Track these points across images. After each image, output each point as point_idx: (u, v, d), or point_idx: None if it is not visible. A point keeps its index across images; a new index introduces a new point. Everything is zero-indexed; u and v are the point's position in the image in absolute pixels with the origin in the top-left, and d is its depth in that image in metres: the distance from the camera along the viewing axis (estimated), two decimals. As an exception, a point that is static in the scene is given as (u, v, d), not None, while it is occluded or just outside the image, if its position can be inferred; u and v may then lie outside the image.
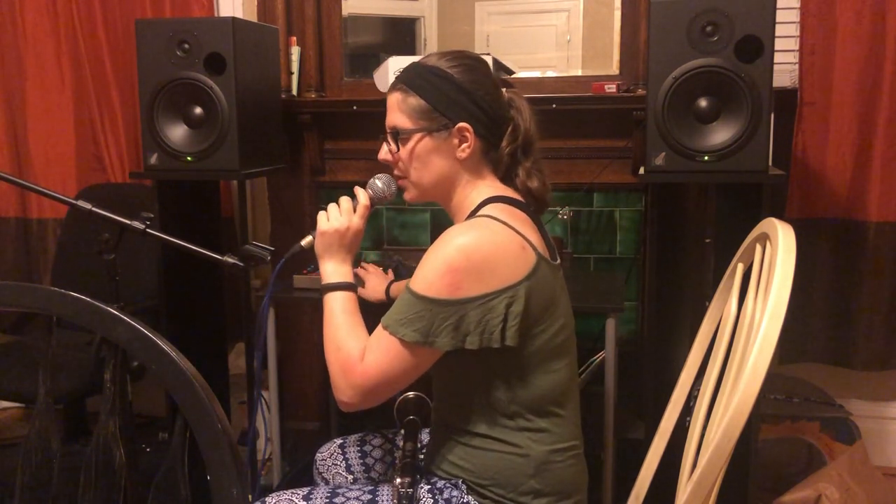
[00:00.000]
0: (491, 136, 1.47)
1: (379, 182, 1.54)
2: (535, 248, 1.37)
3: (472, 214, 1.43)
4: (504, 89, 1.51)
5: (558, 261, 1.47)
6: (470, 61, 1.47)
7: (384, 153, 1.50)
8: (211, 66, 2.24)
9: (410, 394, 1.56)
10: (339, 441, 1.72)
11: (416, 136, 1.45)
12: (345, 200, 1.51)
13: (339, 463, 1.68)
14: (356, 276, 1.99)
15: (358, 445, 1.70)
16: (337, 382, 1.37)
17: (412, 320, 1.31)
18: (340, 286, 1.46)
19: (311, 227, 1.53)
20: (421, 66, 1.47)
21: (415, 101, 1.44)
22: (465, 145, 1.45)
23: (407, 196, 1.53)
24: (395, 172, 1.52)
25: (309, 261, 2.33)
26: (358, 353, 1.36)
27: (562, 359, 1.43)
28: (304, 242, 1.54)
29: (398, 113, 1.46)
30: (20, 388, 2.44)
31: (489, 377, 1.39)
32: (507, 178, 1.51)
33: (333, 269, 1.48)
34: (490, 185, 1.48)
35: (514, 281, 1.33)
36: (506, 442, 1.40)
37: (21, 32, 2.90)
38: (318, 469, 1.70)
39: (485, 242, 1.33)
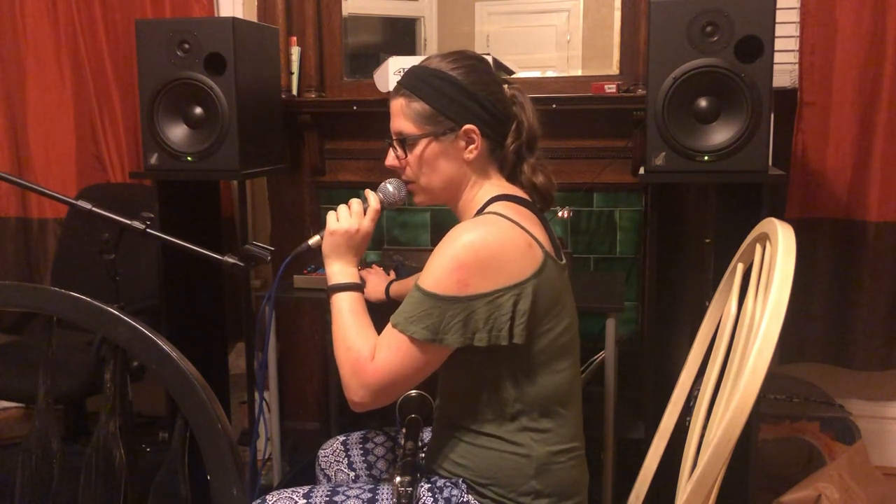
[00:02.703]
0: (496, 135, 1.47)
1: (390, 186, 1.54)
2: (542, 246, 1.37)
3: (479, 213, 1.43)
4: (506, 86, 1.51)
5: (564, 260, 1.47)
6: (472, 62, 1.47)
7: (391, 159, 1.50)
8: (211, 66, 2.24)
9: (413, 392, 1.56)
10: (341, 438, 1.72)
11: (423, 142, 1.45)
12: (355, 202, 1.51)
13: (341, 460, 1.68)
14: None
15: (360, 444, 1.70)
16: (348, 382, 1.37)
17: (421, 317, 1.31)
18: (348, 286, 1.46)
19: (313, 227, 1.53)
20: (423, 70, 1.47)
21: (419, 105, 1.44)
22: (471, 147, 1.45)
23: (417, 200, 1.53)
24: (404, 177, 1.51)
25: (309, 261, 2.33)
26: (368, 352, 1.36)
27: (566, 359, 1.43)
28: (311, 241, 1.54)
29: (403, 119, 1.46)
30: (20, 388, 2.44)
31: (496, 375, 1.39)
32: (512, 177, 1.51)
33: (340, 270, 1.48)
34: (496, 184, 1.48)
35: (522, 278, 1.33)
36: (508, 441, 1.40)
37: (21, 32, 2.90)
38: (320, 466, 1.70)
39: (492, 239, 1.33)
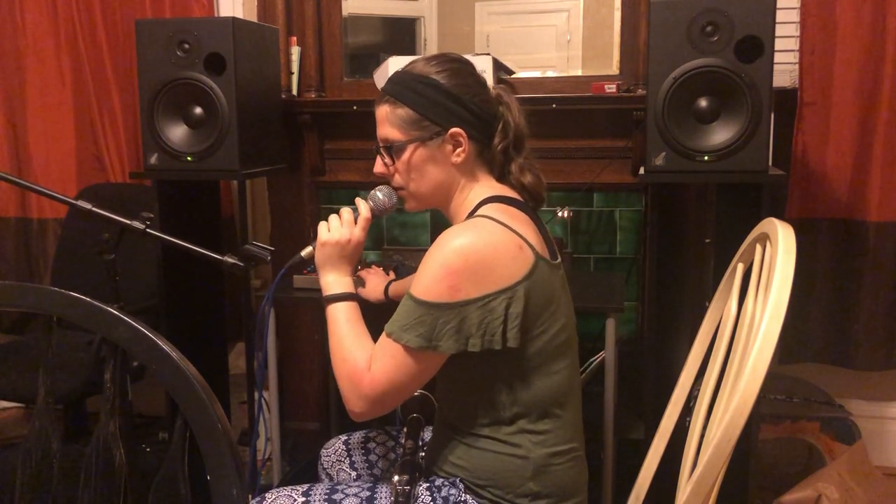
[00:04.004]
0: (483, 136, 1.46)
1: (380, 193, 1.54)
2: (532, 248, 1.37)
3: (471, 216, 1.43)
4: (492, 86, 1.50)
5: (559, 259, 1.47)
6: (455, 64, 1.47)
7: (379, 167, 1.50)
8: (211, 66, 2.23)
9: (415, 392, 1.56)
10: (343, 438, 1.73)
11: (410, 148, 1.44)
12: (346, 212, 1.51)
13: (343, 460, 1.68)
14: (357, 276, 1.99)
15: (362, 443, 1.71)
16: (346, 393, 1.38)
17: (414, 326, 1.31)
18: (343, 297, 1.46)
19: (313, 227, 1.53)
20: (406, 75, 1.46)
21: (403, 111, 1.44)
22: (459, 150, 1.44)
23: (408, 207, 1.53)
24: (393, 184, 1.51)
25: (308, 262, 2.33)
26: (364, 362, 1.36)
27: (563, 359, 1.43)
28: (304, 253, 1.54)
29: (389, 125, 1.45)
30: (20, 388, 2.44)
31: (491, 379, 1.39)
32: (502, 177, 1.51)
33: (335, 280, 1.48)
34: (486, 185, 1.48)
35: (513, 282, 1.33)
36: (506, 443, 1.40)
37: (21, 32, 2.90)
38: (322, 466, 1.71)
39: (481, 243, 1.32)
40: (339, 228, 1.49)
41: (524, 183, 1.49)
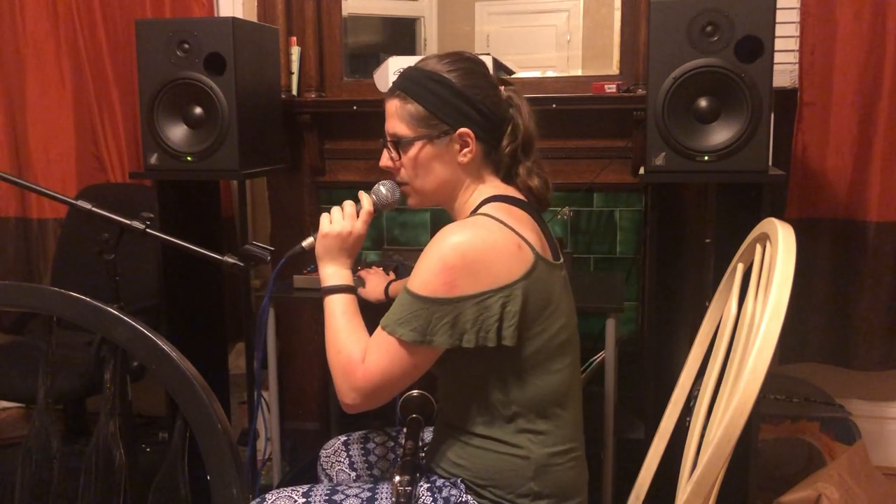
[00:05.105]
0: (491, 138, 1.47)
1: (383, 188, 1.54)
2: (532, 248, 1.37)
3: (473, 214, 1.43)
4: (503, 87, 1.50)
5: (561, 259, 1.46)
6: (468, 64, 1.47)
7: (385, 160, 1.50)
8: (211, 66, 2.23)
9: (414, 392, 1.56)
10: (342, 438, 1.73)
11: (418, 144, 1.45)
12: (348, 204, 1.51)
13: (342, 460, 1.68)
14: (357, 276, 1.99)
15: (361, 443, 1.71)
16: (339, 385, 1.38)
17: (409, 319, 1.32)
18: (340, 289, 1.46)
19: (312, 227, 1.53)
20: (419, 72, 1.46)
21: (414, 108, 1.44)
22: (466, 150, 1.44)
23: (411, 202, 1.53)
24: (398, 179, 1.51)
25: (309, 261, 2.33)
26: (359, 354, 1.36)
27: (563, 358, 1.43)
28: (305, 244, 1.54)
29: (397, 120, 1.45)
30: (20, 388, 2.44)
31: (490, 378, 1.39)
32: (508, 178, 1.51)
33: (333, 272, 1.48)
34: (491, 186, 1.48)
35: (510, 280, 1.33)
36: (506, 443, 1.40)
37: (21, 32, 2.90)
38: (322, 466, 1.71)
39: (479, 241, 1.33)
40: (340, 220, 1.49)
41: (531, 186, 1.49)
